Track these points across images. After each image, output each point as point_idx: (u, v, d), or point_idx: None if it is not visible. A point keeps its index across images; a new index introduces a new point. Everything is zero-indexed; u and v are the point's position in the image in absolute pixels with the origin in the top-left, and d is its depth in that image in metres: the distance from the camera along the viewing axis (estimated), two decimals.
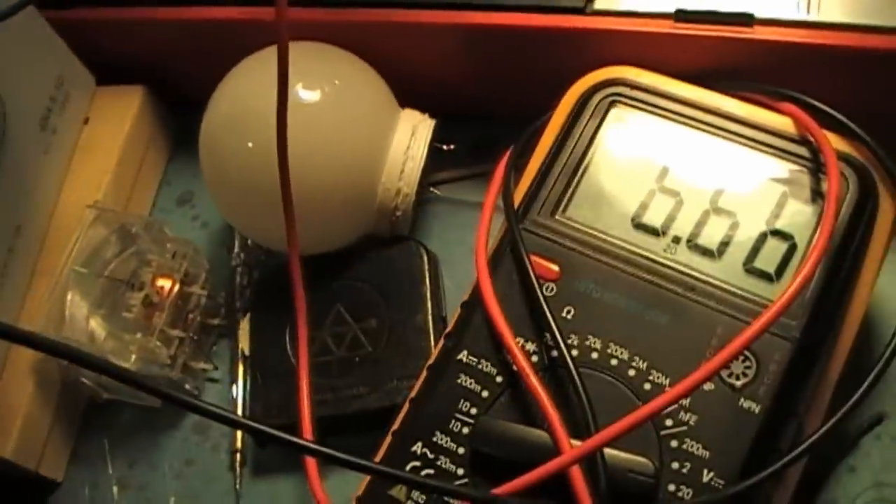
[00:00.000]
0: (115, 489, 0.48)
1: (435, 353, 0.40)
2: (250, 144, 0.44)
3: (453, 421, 0.38)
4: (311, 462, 0.41)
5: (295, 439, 0.34)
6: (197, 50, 0.51)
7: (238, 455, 0.46)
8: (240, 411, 0.47)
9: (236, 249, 0.50)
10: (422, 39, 0.47)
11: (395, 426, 0.39)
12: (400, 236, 0.47)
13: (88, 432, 0.49)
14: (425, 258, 0.46)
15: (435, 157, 0.47)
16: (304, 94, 0.44)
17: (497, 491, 0.34)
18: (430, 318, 0.44)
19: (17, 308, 0.48)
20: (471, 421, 0.38)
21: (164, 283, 0.46)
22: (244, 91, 0.46)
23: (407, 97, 0.47)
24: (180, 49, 0.52)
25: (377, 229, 0.47)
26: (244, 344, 0.47)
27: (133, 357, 0.45)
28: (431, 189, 0.49)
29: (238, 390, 0.47)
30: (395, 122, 0.46)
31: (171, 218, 0.53)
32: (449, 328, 0.40)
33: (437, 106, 0.48)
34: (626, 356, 0.38)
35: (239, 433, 0.46)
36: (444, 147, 0.48)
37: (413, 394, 0.40)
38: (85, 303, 0.47)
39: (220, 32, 0.50)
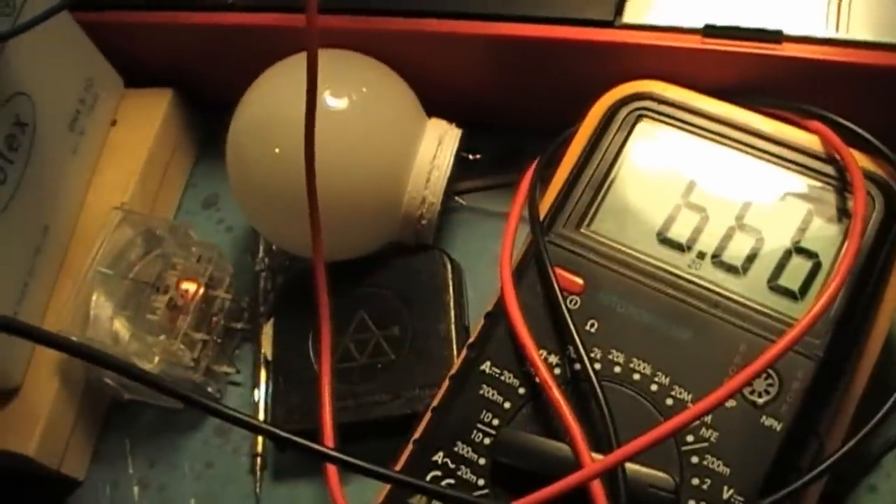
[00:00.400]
0: (135, 489, 0.48)
1: (457, 362, 0.41)
2: (277, 150, 0.44)
3: (475, 431, 0.38)
4: (331, 468, 0.41)
5: (314, 446, 0.35)
6: (225, 55, 0.52)
7: (259, 459, 0.46)
8: (261, 415, 0.47)
9: (260, 254, 0.50)
10: (450, 49, 0.47)
11: (417, 435, 0.40)
12: (424, 245, 0.47)
13: (110, 432, 0.50)
14: (449, 267, 0.46)
15: (460, 167, 0.47)
16: (332, 101, 0.44)
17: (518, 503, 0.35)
18: (452, 327, 0.45)
19: (43, 307, 0.49)
20: (492, 432, 0.38)
21: (189, 287, 0.47)
22: (271, 97, 0.46)
23: (434, 106, 0.48)
24: (208, 53, 0.52)
25: (402, 237, 0.47)
26: (267, 348, 0.48)
27: (156, 359, 0.46)
28: (456, 198, 0.49)
29: (260, 394, 0.48)
30: (421, 130, 0.46)
31: (196, 221, 0.54)
32: (472, 339, 0.41)
33: (463, 116, 0.48)
34: (648, 371, 0.38)
35: (260, 437, 0.47)
36: (470, 157, 0.49)
37: (435, 403, 0.40)
38: (110, 304, 0.47)
39: (249, 38, 0.50)
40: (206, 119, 0.56)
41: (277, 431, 0.35)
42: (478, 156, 0.49)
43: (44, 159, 0.48)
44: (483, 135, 0.49)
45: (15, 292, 0.47)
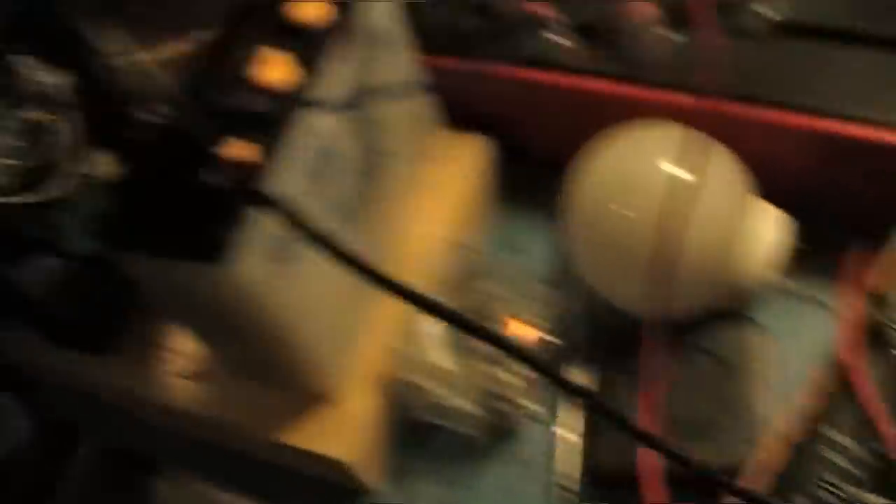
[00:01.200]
0: None
1: (797, 427, 0.47)
2: (631, 214, 0.51)
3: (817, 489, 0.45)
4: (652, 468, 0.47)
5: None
6: (547, 112, 0.58)
7: (562, 490, 0.52)
8: (558, 453, 0.53)
9: (580, 303, 0.56)
10: (786, 142, 0.53)
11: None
12: (741, 314, 0.54)
13: (407, 450, 0.55)
14: (767, 338, 0.53)
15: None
16: (683, 175, 0.50)
17: None
18: (765, 391, 0.51)
19: (367, 313, 0.55)
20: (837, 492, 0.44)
21: (515, 323, 0.53)
22: (627, 163, 0.52)
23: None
24: (533, 109, 0.58)
25: (725, 305, 0.53)
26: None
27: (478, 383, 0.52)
28: (781, 279, 0.54)
29: (558, 429, 0.54)
30: (758, 211, 0.52)
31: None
32: (813, 405, 0.47)
33: (782, 203, 0.53)
34: None
35: (559, 466, 0.53)
36: (801, 246, 0.53)
37: (776, 461, 0.46)
38: (436, 326, 0.53)
39: (577, 100, 0.56)
40: (508, 166, 0.62)
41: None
42: (810, 247, 0.53)
43: (384, 184, 0.55)
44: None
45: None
